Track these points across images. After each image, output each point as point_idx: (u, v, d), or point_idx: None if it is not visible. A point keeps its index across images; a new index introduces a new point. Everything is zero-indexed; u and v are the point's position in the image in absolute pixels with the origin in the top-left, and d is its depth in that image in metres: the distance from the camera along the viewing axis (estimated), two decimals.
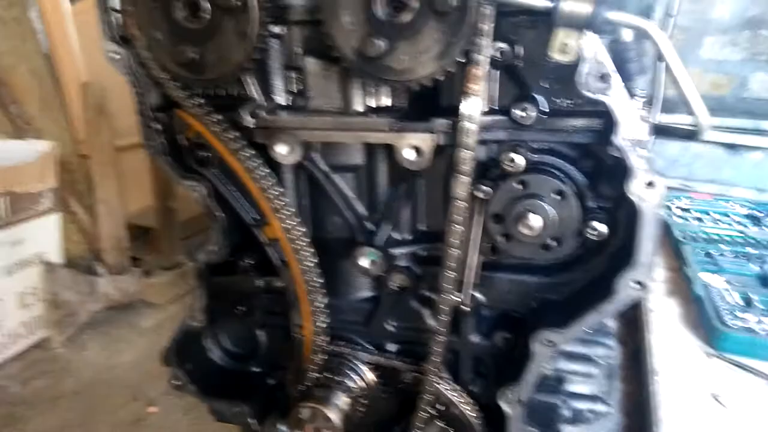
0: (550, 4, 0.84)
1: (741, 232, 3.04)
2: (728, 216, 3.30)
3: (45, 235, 2.70)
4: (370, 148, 1.26)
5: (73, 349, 2.71)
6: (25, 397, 2.34)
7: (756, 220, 3.22)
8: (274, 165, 1.25)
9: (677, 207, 3.47)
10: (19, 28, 2.87)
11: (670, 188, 4.69)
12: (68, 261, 2.89)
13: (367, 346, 1.41)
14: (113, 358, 2.61)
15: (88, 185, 3.01)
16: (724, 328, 2.22)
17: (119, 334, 2.82)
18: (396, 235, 1.31)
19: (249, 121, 1.19)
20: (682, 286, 2.74)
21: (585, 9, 0.81)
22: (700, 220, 3.30)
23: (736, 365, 2.16)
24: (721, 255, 2.81)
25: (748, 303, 2.38)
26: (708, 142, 4.64)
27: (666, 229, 3.25)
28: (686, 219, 3.31)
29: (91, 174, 2.96)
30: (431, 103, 1.15)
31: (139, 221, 3.43)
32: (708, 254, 2.84)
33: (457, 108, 1.08)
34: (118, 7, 1.18)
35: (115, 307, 2.99)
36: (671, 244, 3.13)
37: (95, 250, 3.04)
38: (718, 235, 3.05)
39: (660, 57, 1.16)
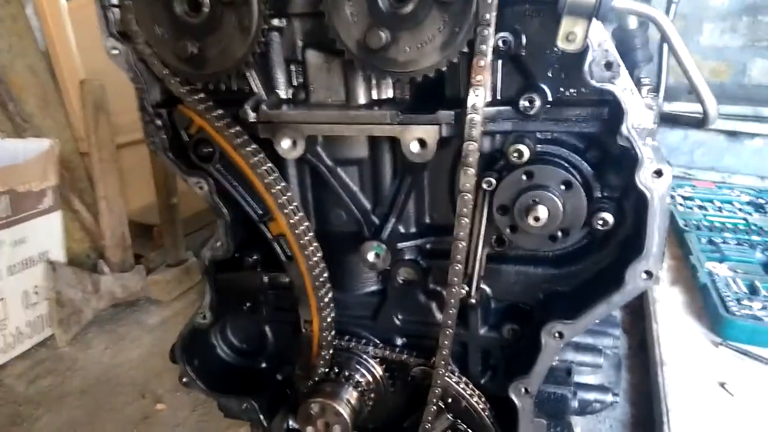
0: None
1: (744, 220, 3.04)
2: (731, 204, 3.30)
3: (48, 234, 2.69)
4: (373, 141, 1.25)
5: (79, 348, 2.70)
6: (32, 396, 2.34)
7: (759, 208, 3.21)
8: (277, 159, 1.24)
9: (680, 195, 3.48)
10: (16, 25, 2.85)
11: (673, 177, 4.71)
12: (71, 259, 2.88)
13: (375, 340, 1.41)
14: (119, 356, 2.61)
15: (89, 183, 3.00)
16: (729, 316, 2.23)
17: (125, 331, 2.81)
18: (401, 229, 1.31)
19: (251, 115, 1.18)
20: (687, 274, 2.74)
21: None
22: (703, 208, 3.30)
23: (742, 353, 2.16)
24: (725, 243, 2.81)
25: (753, 290, 2.38)
26: (709, 129, 4.64)
27: (669, 218, 3.26)
28: (689, 207, 3.31)
29: (92, 171, 2.94)
30: (434, 94, 1.14)
31: (141, 218, 3.41)
32: (712, 242, 2.84)
33: (460, 99, 1.08)
34: (116, 2, 1.16)
35: (120, 304, 2.98)
36: (674, 232, 3.13)
37: (98, 247, 3.03)
38: (721, 223, 3.06)
39: (665, 44, 1.16)
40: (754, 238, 2.83)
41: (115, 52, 1.18)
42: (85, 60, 3.14)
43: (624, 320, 2.82)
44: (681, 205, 3.36)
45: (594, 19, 0.83)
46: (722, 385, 2.03)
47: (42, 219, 2.65)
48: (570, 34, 0.85)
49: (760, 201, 3.29)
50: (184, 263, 3.20)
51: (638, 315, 2.68)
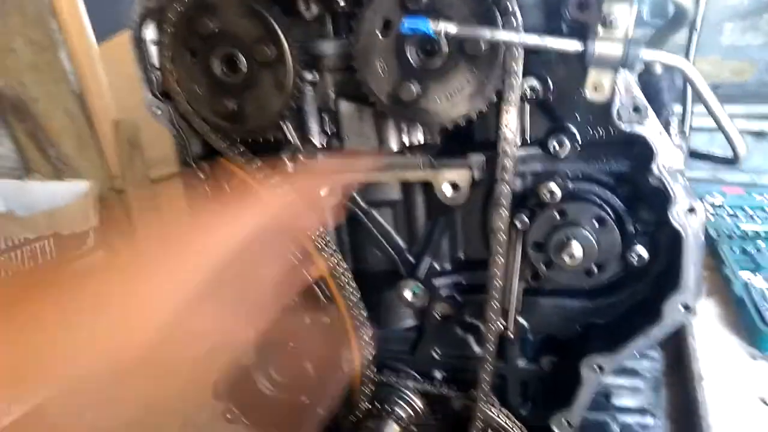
0: (580, 48, 0.86)
1: None
2: (764, 210, 3.24)
3: None
4: (406, 184, 1.29)
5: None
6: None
7: None
8: None
9: (709, 203, 3.43)
10: (51, 72, 2.97)
11: (698, 180, 4.63)
12: None
13: (414, 374, 1.43)
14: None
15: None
16: (767, 329, 2.20)
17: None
18: (437, 266, 1.34)
19: (290, 165, 1.23)
20: (720, 286, 2.70)
21: (617, 50, 0.83)
22: (734, 216, 3.25)
23: None
24: (759, 252, 2.77)
25: None
26: None
27: None
28: (720, 215, 3.27)
29: (129, 208, 3.05)
30: (464, 138, 1.18)
31: None
32: (745, 251, 2.80)
33: (490, 142, 1.11)
34: (157, 64, 1.23)
35: None
36: (706, 242, 3.09)
37: None
38: (755, 231, 3.01)
39: (688, 87, 1.18)
40: None
41: (158, 111, 1.25)
42: (116, 98, 3.25)
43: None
44: (711, 213, 3.31)
45: (621, 70, 0.86)
46: (763, 400, 2.01)
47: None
48: (597, 84, 0.88)
49: None
50: None
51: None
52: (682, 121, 1.16)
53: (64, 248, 2.61)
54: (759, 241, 2.88)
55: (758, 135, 4.51)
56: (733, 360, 2.26)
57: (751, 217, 3.21)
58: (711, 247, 2.98)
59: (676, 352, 2.66)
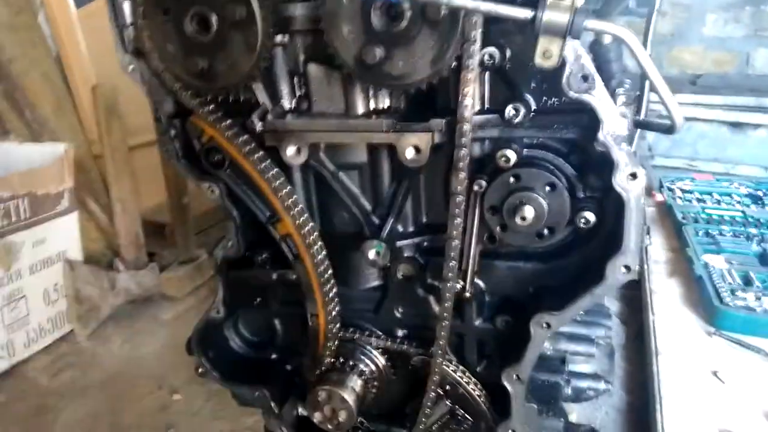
0: (530, 14, 0.91)
1: (742, 212, 3.10)
2: (730, 196, 3.35)
3: (65, 234, 2.80)
4: (372, 147, 1.34)
5: (98, 342, 2.82)
6: (55, 388, 2.46)
7: (757, 200, 3.27)
8: (283, 166, 1.33)
9: (679, 188, 3.53)
10: (29, 34, 2.95)
11: (674, 168, 4.72)
12: (88, 258, 2.99)
13: (377, 332, 1.49)
14: (136, 350, 2.73)
15: (103, 184, 3.11)
16: (723, 307, 2.30)
17: (140, 326, 2.93)
18: (400, 228, 1.39)
19: (259, 125, 1.27)
20: (684, 266, 2.81)
21: (563, 18, 0.88)
22: (701, 200, 3.35)
23: (736, 342, 2.24)
24: (722, 235, 2.88)
25: (748, 282, 2.45)
26: (712, 120, 4.66)
27: (668, 211, 3.32)
28: (688, 200, 3.37)
29: (106, 173, 3.06)
30: (427, 103, 1.22)
31: (153, 217, 3.53)
32: (709, 234, 2.90)
33: (451, 108, 1.16)
34: (130, 21, 1.25)
35: (135, 300, 3.09)
36: (673, 225, 3.19)
37: (113, 246, 3.15)
38: (719, 215, 3.11)
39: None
40: (751, 230, 2.89)
41: (131, 68, 1.27)
42: (96, 64, 3.24)
43: (622, 311, 2.90)
44: (680, 198, 3.41)
45: (568, 37, 0.91)
46: (715, 373, 2.11)
47: (60, 220, 2.76)
48: (546, 51, 0.93)
49: (759, 193, 3.34)
50: (196, 260, 3.31)
51: (636, 306, 2.76)
52: (641, 94, 1.21)
53: (38, 207, 2.63)
54: (722, 225, 2.99)
55: (736, 126, 4.61)
56: (691, 336, 2.36)
57: (718, 202, 3.32)
58: (677, 229, 3.08)
59: (637, 327, 2.77)
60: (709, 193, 3.42)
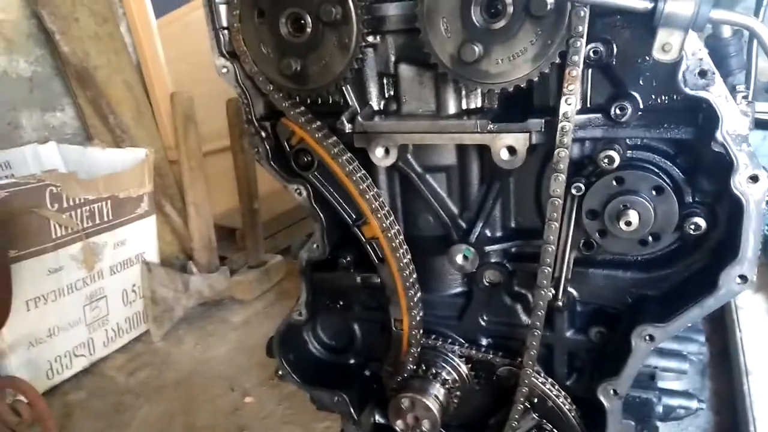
0: (649, 5, 0.85)
1: None
2: None
3: (144, 237, 2.89)
4: (461, 149, 1.31)
5: (172, 343, 2.88)
6: (132, 387, 2.52)
7: None
8: (370, 167, 1.32)
9: None
10: (113, 43, 3.07)
11: None
12: (163, 260, 3.07)
13: (461, 339, 1.45)
14: (208, 352, 2.77)
15: (178, 189, 3.19)
16: None
17: (212, 328, 2.97)
18: (488, 233, 1.35)
19: (348, 127, 1.26)
20: None
21: (687, 9, 0.83)
22: None
23: None
24: None
25: None
26: None
27: None
28: None
29: (182, 178, 3.14)
30: (521, 102, 1.18)
31: (225, 222, 3.60)
32: None
33: (549, 107, 1.12)
34: (226, 24, 1.27)
35: (207, 303, 3.15)
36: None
37: (187, 249, 3.23)
38: None
39: (754, 50, 1.16)
40: None
41: (225, 70, 1.29)
42: (173, 73, 3.35)
43: (705, 328, 2.74)
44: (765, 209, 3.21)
45: (690, 30, 0.85)
46: None
47: (139, 223, 2.85)
48: (666, 45, 0.87)
49: None
50: (264, 265, 3.34)
51: (719, 323, 2.61)
52: (747, 86, 1.14)
53: (120, 210, 2.72)
54: None
55: None
56: None
57: None
58: (763, 242, 2.90)
59: (722, 344, 2.61)
60: None
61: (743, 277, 1.04)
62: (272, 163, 1.34)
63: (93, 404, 2.43)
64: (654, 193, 1.10)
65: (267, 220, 3.49)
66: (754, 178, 0.97)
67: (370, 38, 1.19)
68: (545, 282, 1.20)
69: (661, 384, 1.44)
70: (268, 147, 1.34)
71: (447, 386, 1.41)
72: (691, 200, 1.13)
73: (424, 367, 1.42)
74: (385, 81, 1.29)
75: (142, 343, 2.87)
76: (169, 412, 2.31)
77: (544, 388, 1.35)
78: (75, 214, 2.52)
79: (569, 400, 1.36)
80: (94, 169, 2.67)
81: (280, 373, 1.57)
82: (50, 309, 2.46)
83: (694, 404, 1.43)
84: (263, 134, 1.33)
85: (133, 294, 2.86)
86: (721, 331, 2.63)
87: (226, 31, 1.27)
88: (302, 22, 1.18)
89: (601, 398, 1.24)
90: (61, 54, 2.80)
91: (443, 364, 1.43)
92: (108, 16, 3.07)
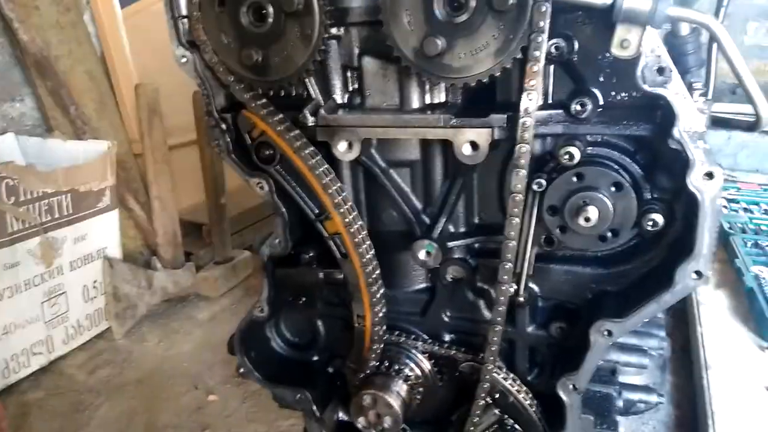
0: (609, 1, 0.86)
1: None
2: None
3: (105, 232, 2.82)
4: (425, 144, 1.30)
5: (134, 340, 2.83)
6: (92, 385, 2.47)
7: None
8: (333, 161, 1.30)
9: (725, 198, 3.41)
10: (75, 32, 2.98)
11: None
12: (126, 256, 3.01)
13: (424, 336, 1.45)
14: (172, 349, 2.72)
15: (142, 183, 3.13)
16: None
17: (176, 325, 2.92)
18: (451, 228, 1.35)
19: (310, 120, 1.24)
20: (732, 278, 2.70)
21: (645, 5, 0.83)
22: (748, 210, 3.23)
23: None
24: None
25: None
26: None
27: None
28: (734, 210, 3.25)
29: (146, 172, 3.07)
30: (484, 98, 1.18)
31: (191, 217, 3.53)
32: (757, 245, 2.79)
33: (512, 103, 1.11)
34: (185, 13, 1.24)
35: (171, 299, 3.09)
36: (719, 235, 3.08)
37: (151, 245, 3.16)
38: (767, 225, 3.00)
39: (713, 48, 1.18)
40: None
41: (184, 60, 1.26)
42: (138, 64, 3.27)
43: (667, 323, 2.80)
44: (726, 207, 3.30)
45: (648, 27, 0.86)
46: None
47: (101, 217, 2.78)
48: (624, 41, 0.88)
49: None
50: (231, 261, 3.30)
51: (681, 318, 2.66)
52: (706, 85, 1.16)
53: (80, 204, 2.65)
54: None
55: None
56: (741, 350, 2.26)
57: (765, 212, 3.20)
58: (724, 240, 2.97)
59: (684, 339, 2.67)
60: (756, 203, 3.30)
61: (699, 273, 1.05)
62: (233, 156, 1.32)
63: (51, 403, 2.37)
64: (613, 189, 1.11)
65: (234, 215, 3.45)
66: (710, 175, 0.98)
67: (334, 30, 1.18)
68: (506, 277, 1.20)
69: (621, 379, 1.46)
70: (229, 139, 1.31)
71: (409, 383, 1.41)
72: (649, 197, 1.14)
73: (386, 364, 1.42)
74: (348, 74, 1.27)
75: (103, 341, 2.81)
76: (129, 411, 2.26)
77: (505, 383, 1.35)
78: (33, 208, 2.45)
79: (530, 396, 1.37)
80: (54, 161, 2.59)
81: (241, 370, 1.55)
82: (6, 306, 2.39)
83: (654, 398, 1.46)
84: (224, 126, 1.30)
85: (95, 290, 2.79)
86: (683, 326, 2.69)
87: (185, 20, 1.24)
88: (264, 11, 1.16)
89: (561, 393, 1.25)
90: (20, 42, 2.71)
91: (406, 361, 1.42)
92: (71, 5, 2.98)
